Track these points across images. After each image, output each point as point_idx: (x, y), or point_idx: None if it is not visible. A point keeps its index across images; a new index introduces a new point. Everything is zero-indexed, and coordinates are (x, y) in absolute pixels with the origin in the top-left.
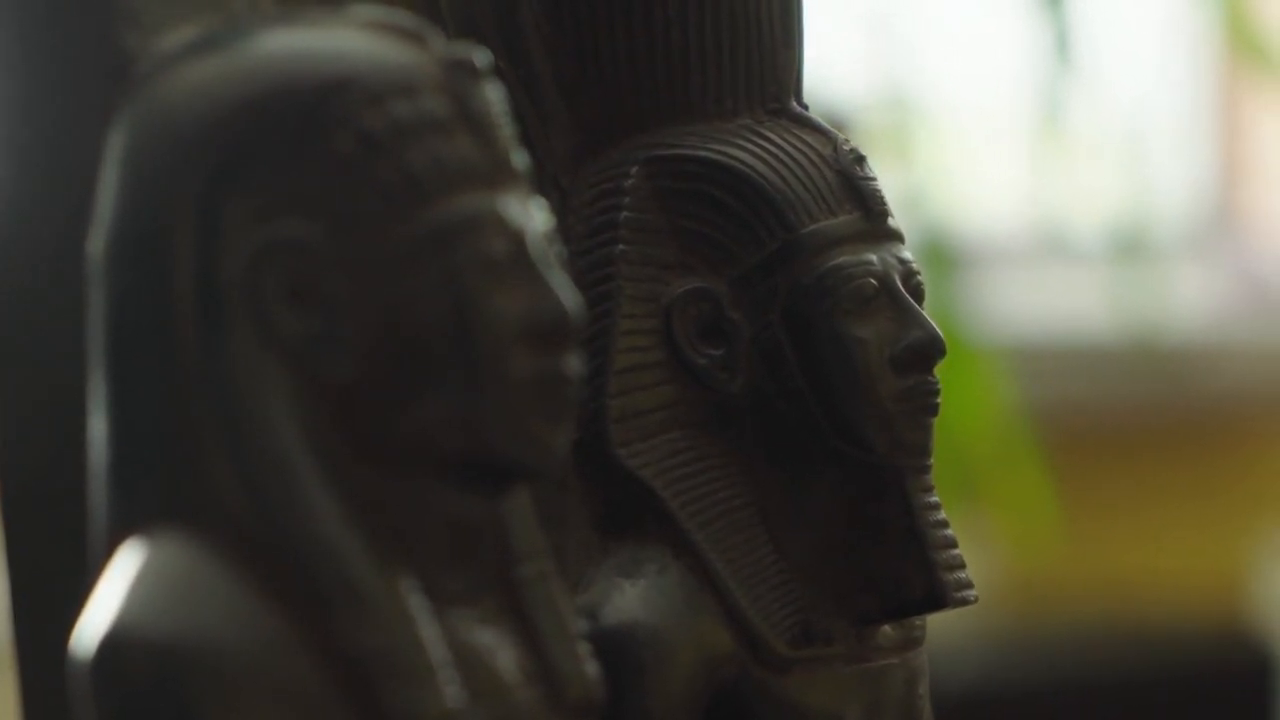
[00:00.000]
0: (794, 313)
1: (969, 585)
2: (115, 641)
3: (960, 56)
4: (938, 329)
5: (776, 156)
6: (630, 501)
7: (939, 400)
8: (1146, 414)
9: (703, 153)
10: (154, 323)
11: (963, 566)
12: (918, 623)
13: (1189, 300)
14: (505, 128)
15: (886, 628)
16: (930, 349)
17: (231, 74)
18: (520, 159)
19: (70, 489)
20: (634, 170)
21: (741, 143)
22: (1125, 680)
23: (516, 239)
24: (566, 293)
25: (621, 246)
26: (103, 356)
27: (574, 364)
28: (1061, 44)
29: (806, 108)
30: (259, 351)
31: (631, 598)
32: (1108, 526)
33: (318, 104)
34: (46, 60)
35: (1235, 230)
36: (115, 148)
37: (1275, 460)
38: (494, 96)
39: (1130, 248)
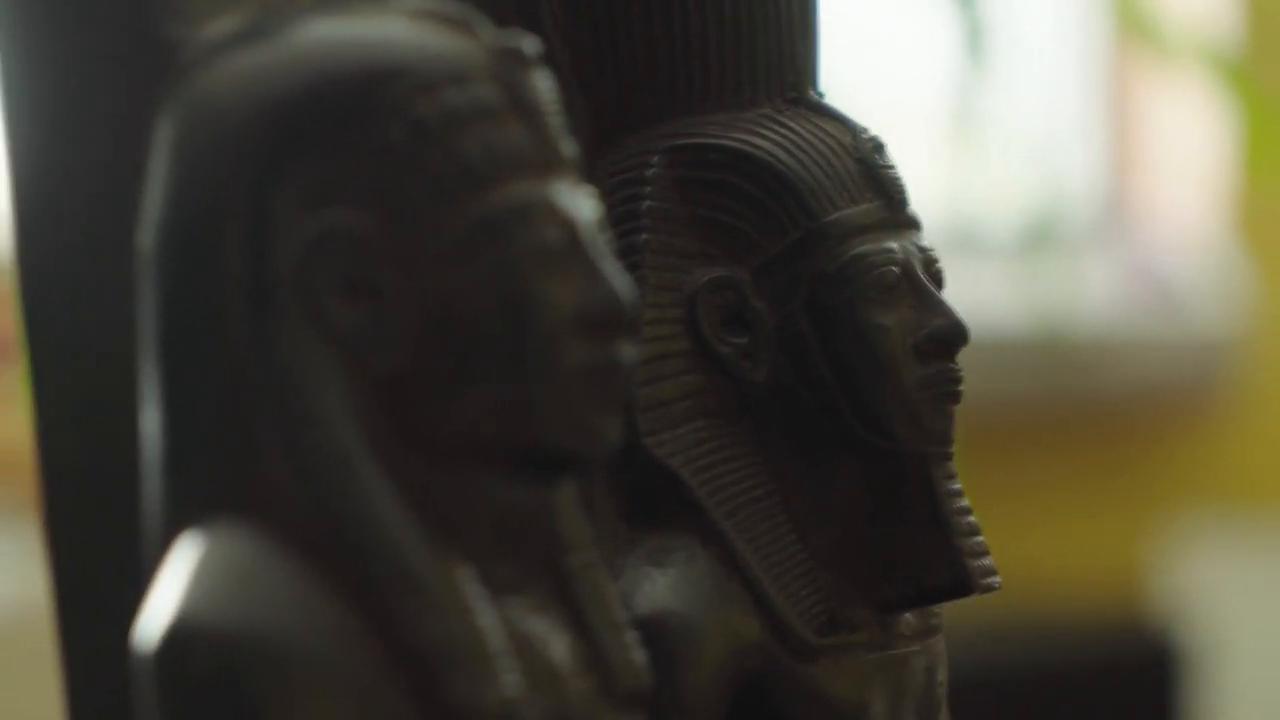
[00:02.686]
0: (817, 301)
1: (993, 572)
2: (179, 634)
3: (872, 52)
4: (961, 316)
5: (798, 145)
6: (658, 491)
7: (962, 388)
8: (1048, 406)
9: (725, 141)
10: (206, 315)
11: (986, 553)
12: (936, 610)
13: (1090, 292)
14: (556, 115)
15: (908, 615)
16: (953, 336)
17: (280, 63)
18: (570, 147)
19: (112, 480)
20: (655, 160)
21: (763, 131)
22: (1027, 670)
23: (569, 227)
24: (620, 281)
25: (645, 235)
26: (155, 349)
27: (628, 352)
28: (974, 40)
29: (823, 96)
30: (312, 342)
31: (662, 587)
32: (1010, 518)
33: (368, 92)
34: (88, 51)
35: (1131, 222)
36: (163, 140)
37: (1172, 452)
38: (544, 84)
39: (1038, 241)
